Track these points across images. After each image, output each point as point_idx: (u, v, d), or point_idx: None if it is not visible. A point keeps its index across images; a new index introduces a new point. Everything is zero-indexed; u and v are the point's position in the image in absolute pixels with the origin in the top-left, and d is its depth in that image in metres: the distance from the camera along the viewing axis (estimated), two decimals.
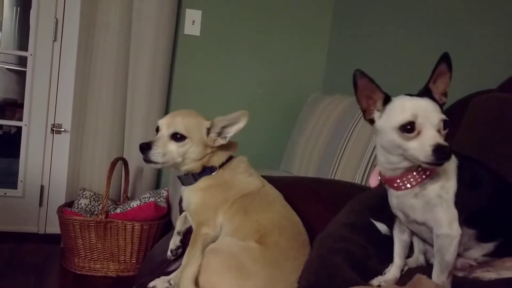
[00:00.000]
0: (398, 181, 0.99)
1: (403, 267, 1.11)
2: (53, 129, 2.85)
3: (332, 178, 2.24)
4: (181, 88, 2.93)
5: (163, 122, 1.36)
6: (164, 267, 1.36)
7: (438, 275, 0.97)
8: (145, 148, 1.30)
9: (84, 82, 2.74)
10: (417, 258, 1.15)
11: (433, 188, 0.98)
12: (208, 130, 1.36)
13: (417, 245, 1.15)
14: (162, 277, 1.31)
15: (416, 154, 0.91)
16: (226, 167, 1.39)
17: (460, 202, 0.97)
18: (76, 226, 2.38)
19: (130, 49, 2.75)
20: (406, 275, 1.02)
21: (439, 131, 0.92)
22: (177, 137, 1.32)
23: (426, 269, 1.03)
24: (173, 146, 1.32)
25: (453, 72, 0.99)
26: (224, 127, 1.37)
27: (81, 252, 2.43)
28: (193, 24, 2.91)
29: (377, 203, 1.25)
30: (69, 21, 2.79)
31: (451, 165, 0.99)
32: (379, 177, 1.03)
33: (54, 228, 2.72)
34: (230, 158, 1.41)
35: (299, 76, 3.08)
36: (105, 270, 2.44)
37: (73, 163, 2.77)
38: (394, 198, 1.03)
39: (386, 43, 2.49)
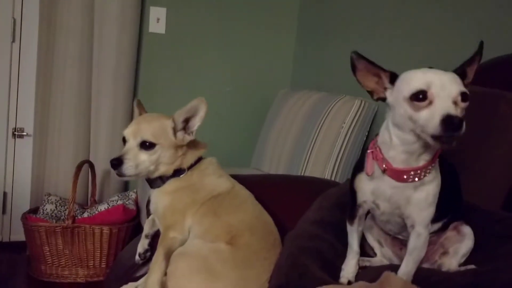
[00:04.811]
0: (412, 173, 0.93)
1: (364, 263, 1.13)
2: (15, 133, 2.76)
3: (302, 174, 2.24)
4: (147, 88, 2.87)
5: (129, 132, 1.31)
6: (132, 273, 1.33)
7: (410, 271, 0.98)
8: (117, 163, 1.26)
9: (46, 84, 2.66)
10: (381, 260, 1.17)
11: (432, 186, 0.96)
12: (174, 130, 1.32)
13: (379, 249, 1.17)
14: (130, 283, 1.29)
15: (424, 125, 0.85)
16: (195, 168, 1.36)
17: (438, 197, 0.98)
18: (42, 233, 2.32)
19: (93, 48, 2.68)
20: (372, 272, 1.02)
21: (455, 103, 0.86)
22: (146, 145, 1.28)
23: (390, 267, 1.04)
24: (144, 156, 1.28)
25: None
26: (187, 121, 1.33)
27: (48, 259, 2.36)
28: (157, 22, 2.86)
29: (346, 199, 1.25)
30: (27, 21, 2.70)
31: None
32: (384, 165, 0.95)
33: (18, 235, 2.64)
34: (199, 160, 1.38)
35: (267, 73, 3.07)
36: (73, 276, 2.39)
37: (37, 168, 2.69)
38: (390, 188, 0.97)
39: (354, 38, 2.50)
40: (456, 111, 0.85)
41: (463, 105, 0.87)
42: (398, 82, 0.93)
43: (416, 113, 0.87)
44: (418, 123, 0.87)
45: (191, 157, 1.36)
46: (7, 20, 2.68)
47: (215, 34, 2.97)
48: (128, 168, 1.26)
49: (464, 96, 0.87)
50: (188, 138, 1.33)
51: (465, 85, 0.90)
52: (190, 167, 1.35)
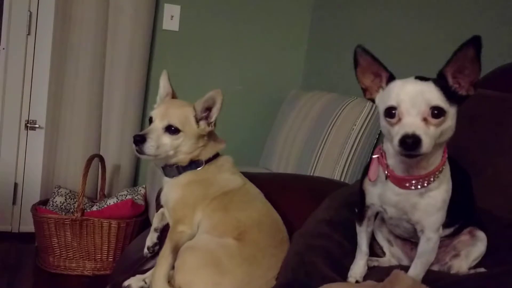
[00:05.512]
0: (414, 181, 0.92)
1: (373, 264, 1.12)
2: (27, 126, 2.78)
3: (311, 174, 2.23)
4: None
5: (156, 113, 1.34)
6: (139, 266, 1.34)
7: (418, 274, 0.97)
8: (140, 140, 1.29)
9: (59, 77, 2.67)
10: (389, 260, 1.16)
11: (440, 192, 0.94)
12: (196, 118, 1.35)
13: (388, 248, 1.16)
14: (137, 276, 1.28)
15: (393, 142, 0.84)
16: (212, 163, 1.38)
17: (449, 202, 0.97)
18: (51, 225, 2.33)
19: (106, 44, 2.69)
20: (380, 273, 1.01)
21: (425, 119, 0.84)
22: (171, 129, 1.31)
23: (398, 267, 1.03)
24: (167, 139, 1.31)
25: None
26: (206, 112, 1.36)
27: (56, 251, 2.37)
28: (171, 19, 2.87)
29: (354, 200, 1.25)
30: (43, 14, 2.72)
31: (447, 165, 0.96)
32: (386, 172, 0.95)
33: (28, 226, 2.66)
34: (217, 155, 1.40)
35: (279, 72, 3.06)
36: (81, 269, 2.40)
37: (48, 160, 2.70)
38: (394, 195, 0.95)
39: (366, 40, 2.48)
40: (427, 128, 0.83)
41: (434, 121, 0.84)
42: (385, 90, 0.91)
43: (391, 128, 0.86)
44: (392, 140, 0.85)
45: (210, 150, 1.38)
46: (23, 13, 2.70)
47: (227, 32, 2.97)
48: (149, 147, 1.28)
49: (437, 111, 0.84)
50: (208, 128, 1.36)
51: (451, 92, 0.86)
52: (208, 160, 1.37)
